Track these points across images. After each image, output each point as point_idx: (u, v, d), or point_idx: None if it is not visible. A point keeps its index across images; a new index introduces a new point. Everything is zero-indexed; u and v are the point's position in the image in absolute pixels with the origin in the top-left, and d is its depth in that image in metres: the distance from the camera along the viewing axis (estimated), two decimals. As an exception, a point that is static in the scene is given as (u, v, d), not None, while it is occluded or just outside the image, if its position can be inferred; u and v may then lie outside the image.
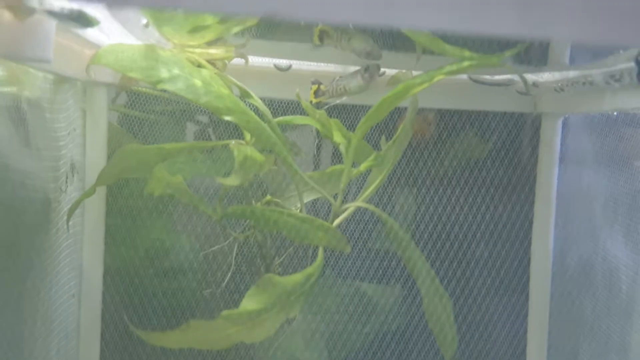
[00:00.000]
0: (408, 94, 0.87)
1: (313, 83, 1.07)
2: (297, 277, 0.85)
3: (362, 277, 1.32)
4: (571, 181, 1.20)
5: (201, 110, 1.31)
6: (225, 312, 0.78)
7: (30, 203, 0.77)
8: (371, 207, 0.97)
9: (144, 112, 1.30)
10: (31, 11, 0.70)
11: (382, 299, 1.34)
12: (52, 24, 0.76)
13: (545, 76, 1.10)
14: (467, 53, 0.79)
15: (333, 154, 1.30)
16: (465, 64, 0.80)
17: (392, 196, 1.31)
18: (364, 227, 1.30)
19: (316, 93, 1.06)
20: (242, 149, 0.89)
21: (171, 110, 1.32)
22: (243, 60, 1.03)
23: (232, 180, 0.84)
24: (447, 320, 0.93)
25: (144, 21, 0.86)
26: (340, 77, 1.06)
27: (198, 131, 1.29)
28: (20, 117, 0.77)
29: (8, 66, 0.79)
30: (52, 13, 0.70)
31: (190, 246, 1.20)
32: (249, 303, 0.79)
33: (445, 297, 0.94)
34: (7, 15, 0.69)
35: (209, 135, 1.29)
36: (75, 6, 0.70)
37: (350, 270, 1.31)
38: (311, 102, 1.05)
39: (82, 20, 0.71)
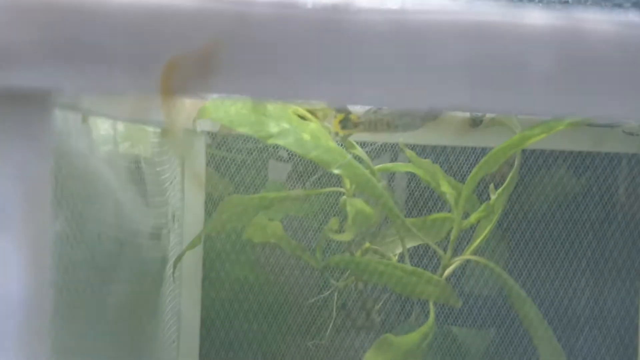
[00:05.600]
0: (524, 145, 0.84)
1: (338, 111, 0.90)
2: (414, 337, 0.83)
3: (453, 320, 1.29)
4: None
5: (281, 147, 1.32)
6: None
7: (154, 263, 0.78)
8: (483, 260, 0.94)
9: (230, 152, 1.32)
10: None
11: (473, 344, 1.30)
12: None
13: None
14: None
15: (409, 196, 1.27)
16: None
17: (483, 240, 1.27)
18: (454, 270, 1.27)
19: (343, 123, 0.90)
20: (353, 203, 0.88)
21: (255, 148, 1.33)
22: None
23: (346, 236, 0.83)
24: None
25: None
26: (380, 108, 0.88)
27: (291, 172, 1.29)
28: (140, 177, 0.78)
29: (127, 126, 0.81)
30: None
31: (288, 292, 1.19)
32: (370, 365, 0.78)
33: (560, 352, 0.90)
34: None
35: (301, 178, 1.29)
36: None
37: (440, 313, 1.28)
38: (336, 133, 0.90)
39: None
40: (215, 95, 0.37)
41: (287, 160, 1.36)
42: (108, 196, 0.60)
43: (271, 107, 0.92)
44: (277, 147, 1.34)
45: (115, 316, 0.66)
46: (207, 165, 1.28)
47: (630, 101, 0.38)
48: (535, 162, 1.25)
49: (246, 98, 0.39)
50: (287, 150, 1.35)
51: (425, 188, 1.20)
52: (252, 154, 1.32)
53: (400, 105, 0.38)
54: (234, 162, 1.31)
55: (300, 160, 1.29)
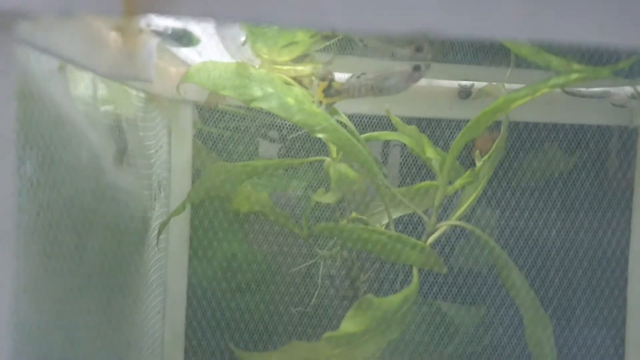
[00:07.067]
0: (509, 108, 0.83)
1: (322, 79, 0.88)
2: (396, 298, 0.83)
3: (443, 296, 1.28)
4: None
5: (272, 127, 1.31)
6: (327, 334, 0.76)
7: (132, 221, 0.78)
8: (468, 225, 0.94)
9: (218, 129, 1.30)
10: (138, 32, 0.70)
11: (463, 320, 1.29)
12: (154, 43, 0.76)
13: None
14: (575, 65, 0.76)
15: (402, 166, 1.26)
16: (574, 76, 0.77)
17: (473, 213, 1.26)
18: (444, 244, 1.26)
19: (327, 91, 0.87)
20: (337, 166, 0.87)
21: (244, 127, 1.32)
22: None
23: (329, 198, 0.83)
24: (548, 343, 0.89)
25: (242, 39, 0.86)
26: (363, 73, 0.87)
27: (282, 149, 1.28)
28: (121, 136, 0.78)
29: (109, 85, 0.80)
30: (157, 33, 0.70)
31: (274, 262, 1.19)
32: (350, 325, 0.77)
33: (546, 320, 0.90)
34: (113, 36, 0.69)
35: (292, 154, 1.28)
36: (180, 26, 0.70)
37: (430, 289, 1.27)
38: (320, 102, 0.87)
39: (186, 39, 0.71)
40: (179, 17, 0.36)
41: (276, 140, 1.35)
42: (83, 145, 0.59)
43: (255, 71, 0.91)
44: (268, 127, 1.33)
45: (94, 269, 0.65)
46: (194, 137, 1.28)
47: (597, 25, 0.37)
48: (520, 134, 1.25)
49: (212, 20, 0.38)
50: (277, 130, 1.35)
51: (413, 161, 1.19)
52: (241, 132, 1.31)
53: (375, 29, 0.38)
54: (222, 138, 1.30)
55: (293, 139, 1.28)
